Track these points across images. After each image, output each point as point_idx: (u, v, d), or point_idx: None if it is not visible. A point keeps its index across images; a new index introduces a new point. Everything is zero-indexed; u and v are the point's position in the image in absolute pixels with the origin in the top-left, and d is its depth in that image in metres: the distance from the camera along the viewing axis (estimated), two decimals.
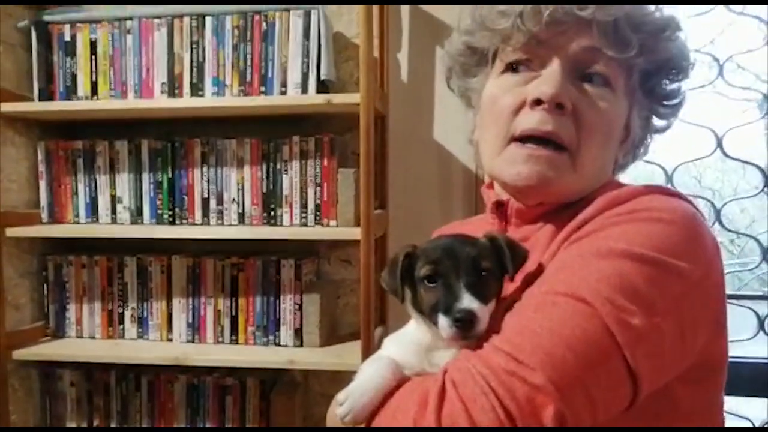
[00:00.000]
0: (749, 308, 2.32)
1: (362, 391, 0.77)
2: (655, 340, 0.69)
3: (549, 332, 0.67)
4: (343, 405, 0.77)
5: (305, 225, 1.93)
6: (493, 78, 0.96)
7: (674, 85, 0.96)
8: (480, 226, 0.98)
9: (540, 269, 0.83)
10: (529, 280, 0.82)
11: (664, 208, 0.79)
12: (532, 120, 0.87)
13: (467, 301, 0.76)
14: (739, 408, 2.22)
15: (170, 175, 2.00)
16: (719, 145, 2.25)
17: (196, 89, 1.94)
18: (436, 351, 0.82)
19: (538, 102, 0.86)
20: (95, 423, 2.10)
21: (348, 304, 2.16)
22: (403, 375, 0.80)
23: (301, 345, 1.97)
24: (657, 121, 0.99)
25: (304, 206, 1.93)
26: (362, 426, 0.78)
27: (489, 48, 0.96)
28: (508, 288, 0.88)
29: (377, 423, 0.75)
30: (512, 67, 0.92)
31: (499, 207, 0.98)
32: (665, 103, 0.97)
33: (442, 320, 0.76)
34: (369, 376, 0.79)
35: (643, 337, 0.68)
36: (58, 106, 2.00)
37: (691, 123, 2.26)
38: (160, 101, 1.94)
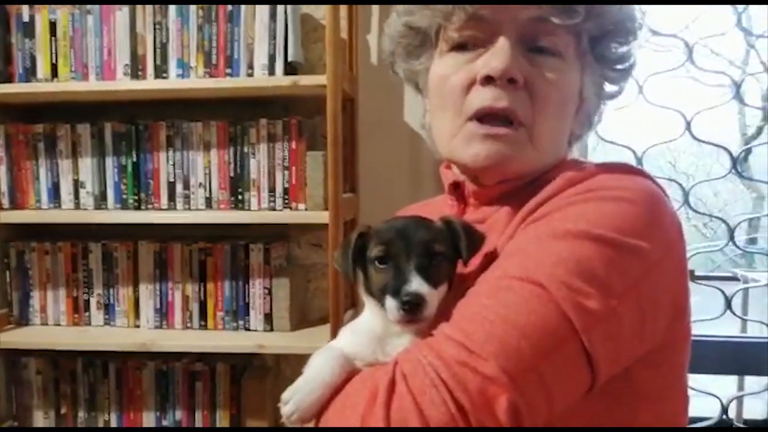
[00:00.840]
0: (718, 288, 2.38)
1: (309, 388, 0.74)
2: (613, 324, 0.69)
3: (502, 319, 0.66)
4: (289, 403, 0.74)
5: (273, 209, 1.93)
6: (438, 58, 0.94)
7: (624, 48, 0.94)
8: (440, 208, 0.98)
9: (496, 253, 0.82)
10: (485, 265, 0.80)
11: (624, 186, 0.79)
12: (485, 97, 0.86)
13: (416, 284, 0.74)
14: (707, 386, 2.28)
15: (135, 159, 1.98)
16: (688, 128, 2.29)
17: (160, 71, 1.92)
18: (389, 339, 0.81)
19: (489, 79, 0.85)
20: (62, 411, 2.09)
21: (318, 288, 2.17)
22: (354, 367, 0.79)
23: (271, 329, 1.98)
24: (609, 87, 0.98)
25: (272, 190, 1.92)
26: (310, 425, 0.77)
27: (431, 27, 0.93)
28: (464, 272, 0.88)
29: (325, 421, 0.73)
30: (458, 46, 0.91)
31: (456, 188, 0.97)
32: (616, 67, 0.95)
33: (390, 302, 0.75)
34: (316, 371, 0.76)
35: (601, 320, 0.67)
36: (17, 88, 1.96)
37: (660, 106, 2.29)
38: (122, 83, 1.91)
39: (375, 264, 0.81)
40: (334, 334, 1.76)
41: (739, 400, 2.57)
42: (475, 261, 0.88)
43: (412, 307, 0.75)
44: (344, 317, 1.85)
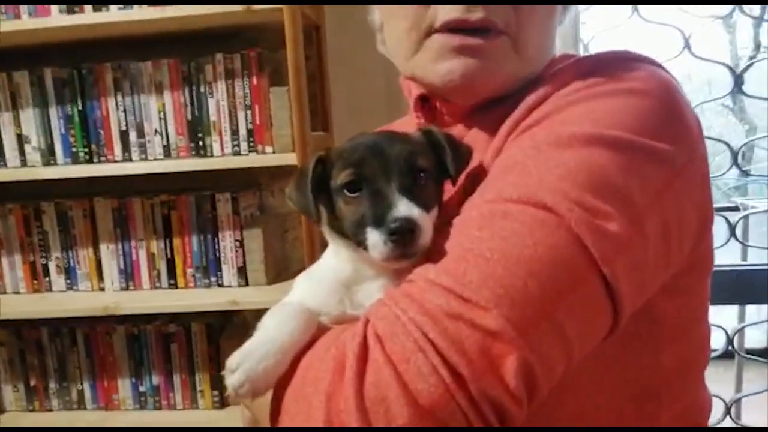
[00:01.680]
0: (722, 216, 2.26)
1: (262, 353, 0.62)
2: (637, 249, 0.58)
3: (502, 255, 0.55)
4: (236, 372, 0.61)
5: (238, 153, 1.77)
6: None
7: None
8: (404, 130, 0.83)
9: (482, 173, 0.70)
10: (469, 189, 0.69)
11: (635, 77, 0.66)
12: (454, 6, 0.71)
13: (404, 207, 0.62)
14: (710, 316, 2.21)
15: (81, 107, 1.81)
16: (687, 46, 2.12)
17: (99, 4, 1.71)
18: (359, 285, 0.70)
19: None
20: (32, 383, 1.98)
21: (297, 239, 2.04)
22: (320, 325, 0.67)
23: (246, 284, 1.85)
24: None
25: (235, 132, 1.76)
26: (265, 407, 0.63)
27: None
28: (444, 199, 0.75)
29: (283, 401, 0.61)
30: None
31: (425, 103, 0.84)
32: None
33: (374, 236, 0.63)
34: (270, 331, 0.64)
35: (624, 246, 0.57)
36: None
37: (658, 23, 2.12)
38: (58, 19, 1.71)
39: (344, 194, 0.68)
40: None
41: (741, 330, 2.51)
42: (457, 184, 0.74)
43: (405, 236, 0.62)
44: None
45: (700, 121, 0.69)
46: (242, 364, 0.61)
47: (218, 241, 1.85)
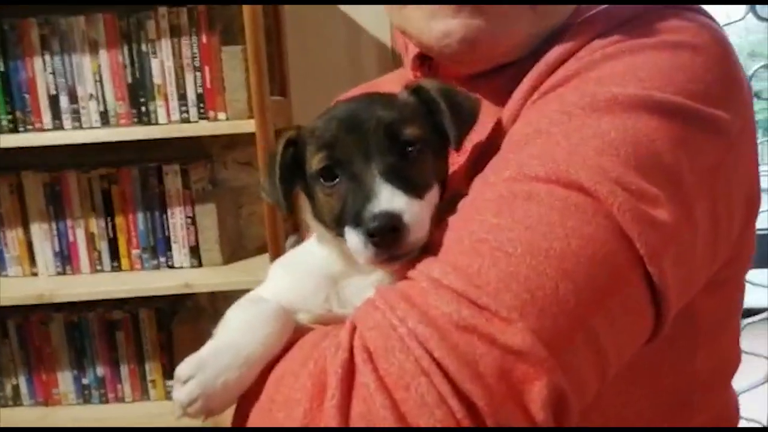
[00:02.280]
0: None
1: (223, 364, 0.51)
2: (686, 240, 0.50)
3: (527, 248, 0.46)
4: (188, 385, 0.51)
5: (187, 120, 1.62)
6: None
7: None
8: (399, 85, 0.71)
9: (495, 143, 0.59)
10: (478, 163, 0.59)
11: (684, 28, 0.56)
12: None
13: (385, 198, 0.52)
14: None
15: (2, 69, 1.62)
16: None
17: None
18: (349, 279, 0.60)
19: None
20: None
21: (254, 214, 1.90)
22: (298, 326, 0.57)
23: (200, 265, 1.72)
24: None
25: (182, 97, 1.61)
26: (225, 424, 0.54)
27: None
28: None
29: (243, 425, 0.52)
30: None
31: (424, 61, 0.72)
32: None
33: (352, 237, 0.53)
34: (236, 337, 0.53)
35: (672, 238, 0.48)
36: None
37: None
38: None
39: (320, 182, 0.57)
40: None
41: None
42: (462, 156, 0.63)
43: (386, 237, 0.50)
44: (286, 244, 1.60)
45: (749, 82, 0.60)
46: (196, 374, 0.50)
47: (167, 218, 1.70)
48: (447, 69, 0.70)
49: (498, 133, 0.60)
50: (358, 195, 0.53)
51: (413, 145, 0.56)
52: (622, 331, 0.47)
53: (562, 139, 0.50)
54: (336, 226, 0.56)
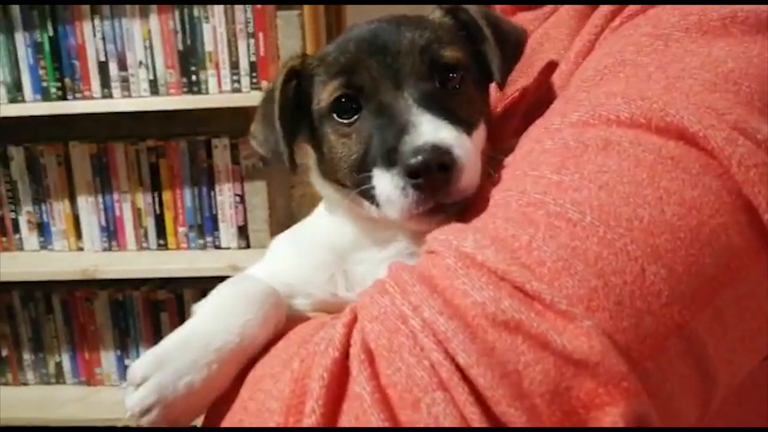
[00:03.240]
0: None
1: (187, 361, 0.42)
2: None
3: (600, 216, 0.35)
4: (142, 388, 0.41)
5: (239, 91, 1.56)
6: None
7: None
8: None
9: (551, 89, 0.50)
10: (532, 113, 0.48)
11: None
12: None
13: (429, 128, 0.43)
14: None
15: (52, 34, 1.59)
16: None
17: None
18: (360, 254, 0.51)
19: None
20: (4, 354, 1.78)
21: (306, 195, 1.81)
22: (292, 315, 0.49)
23: (248, 246, 1.66)
24: None
25: (234, 66, 1.55)
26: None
27: None
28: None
29: None
30: None
31: None
32: None
33: (384, 181, 0.44)
34: (207, 325, 0.44)
35: None
36: None
37: None
38: None
39: (333, 120, 0.49)
40: None
41: None
42: (505, 103, 0.55)
43: (432, 177, 0.42)
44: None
45: None
46: (153, 374, 0.41)
47: (215, 195, 1.65)
48: None
49: (566, 69, 0.50)
50: (389, 129, 0.45)
51: (454, 71, 0.48)
52: (738, 339, 0.37)
53: (656, 71, 0.40)
54: (355, 175, 0.47)
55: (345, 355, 0.37)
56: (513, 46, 0.52)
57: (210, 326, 0.44)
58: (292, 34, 1.49)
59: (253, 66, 1.52)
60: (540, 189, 0.38)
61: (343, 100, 0.48)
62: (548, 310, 0.33)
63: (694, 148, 0.37)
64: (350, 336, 0.38)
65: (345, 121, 0.48)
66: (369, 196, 0.46)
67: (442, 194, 0.43)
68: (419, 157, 0.41)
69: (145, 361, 0.42)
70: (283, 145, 0.50)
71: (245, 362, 0.43)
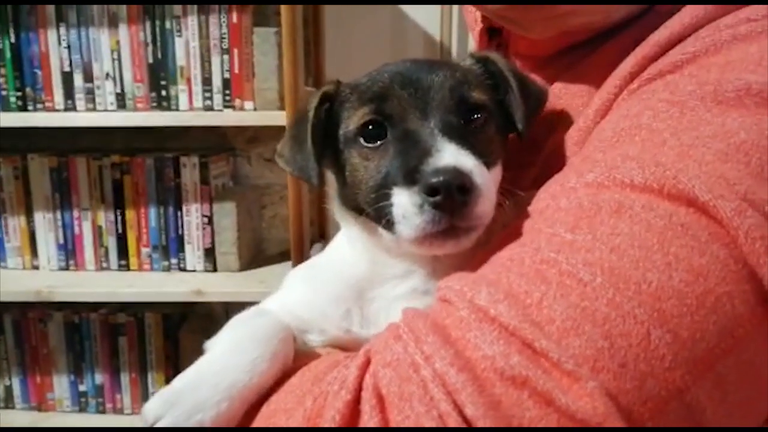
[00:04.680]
0: None
1: (201, 399, 0.44)
2: None
3: (610, 279, 0.37)
4: (163, 420, 0.44)
5: (210, 108, 1.52)
6: None
7: None
8: None
9: (569, 144, 0.52)
10: (549, 166, 0.51)
11: None
12: None
13: (450, 153, 0.45)
14: None
15: (13, 40, 1.53)
16: None
17: None
18: (377, 290, 0.53)
19: None
20: None
21: (276, 216, 1.79)
22: (304, 351, 0.51)
23: (215, 270, 1.61)
24: None
25: (207, 82, 1.51)
26: None
27: None
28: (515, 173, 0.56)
29: None
30: None
31: (492, 36, 0.67)
32: None
33: (403, 198, 0.46)
34: (220, 363, 0.46)
35: None
36: None
37: None
38: None
39: (359, 144, 0.51)
40: None
41: None
42: (528, 155, 0.57)
43: (451, 197, 0.44)
44: (310, 252, 1.46)
45: None
46: (166, 413, 0.44)
47: (182, 215, 1.60)
48: (517, 45, 0.64)
49: (583, 126, 0.52)
50: (412, 152, 0.47)
51: (479, 111, 0.51)
52: (736, 404, 0.38)
53: (671, 137, 0.41)
54: (374, 193, 0.49)
55: (357, 398, 0.39)
56: (535, 98, 0.55)
57: (220, 365, 0.46)
58: (269, 52, 1.45)
59: (226, 83, 1.48)
60: (554, 247, 0.40)
61: (371, 126, 0.51)
62: (555, 369, 0.35)
63: (704, 216, 0.38)
64: (363, 379, 0.40)
65: (370, 145, 0.51)
66: (384, 214, 0.48)
67: (458, 216, 0.45)
68: (440, 176, 0.44)
69: (157, 402, 0.44)
70: (314, 162, 0.52)
71: (255, 399, 0.45)
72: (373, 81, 0.52)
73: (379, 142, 0.51)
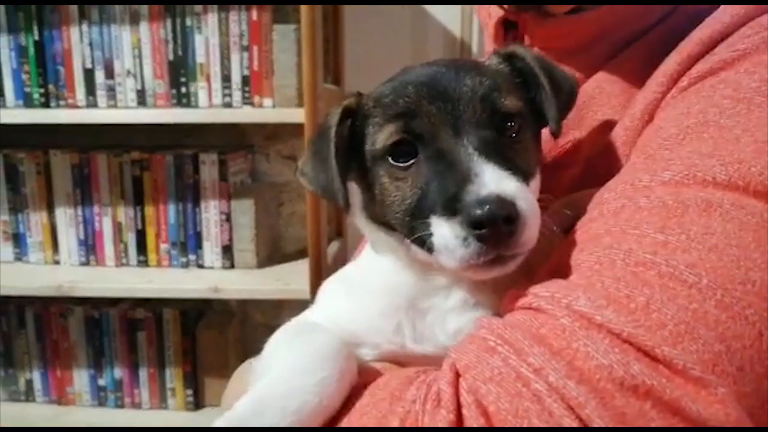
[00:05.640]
0: None
1: (267, 423, 0.41)
2: None
3: (716, 279, 0.37)
4: None
5: (229, 105, 1.52)
6: None
7: None
8: None
9: (627, 135, 0.52)
10: (601, 160, 0.52)
11: None
12: None
13: (492, 179, 0.43)
14: None
15: (37, 38, 1.55)
16: None
17: None
18: (427, 302, 0.51)
19: None
20: None
21: (294, 214, 1.78)
22: (361, 366, 0.48)
23: (232, 266, 1.61)
24: None
25: (226, 79, 1.51)
26: None
27: None
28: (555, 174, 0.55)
29: None
30: None
31: (509, 30, 0.65)
32: None
33: (444, 231, 0.44)
34: (282, 382, 0.43)
35: None
36: None
37: None
38: None
39: (388, 163, 0.49)
40: (313, 273, 1.40)
41: None
42: (566, 156, 0.56)
43: (497, 229, 0.41)
44: (327, 250, 1.46)
45: None
46: None
47: (200, 212, 1.61)
48: (533, 38, 0.62)
49: (618, 131, 0.51)
50: (449, 177, 0.44)
51: (513, 120, 0.49)
52: None
53: (743, 134, 0.41)
54: (409, 222, 0.47)
55: (459, 416, 0.37)
56: (567, 93, 0.52)
57: (284, 387, 0.43)
58: (288, 49, 1.45)
59: (245, 80, 1.48)
60: (647, 248, 0.38)
61: (400, 143, 0.48)
62: (678, 376, 0.34)
63: None
64: (459, 396, 0.38)
65: (401, 164, 0.48)
66: (422, 242, 0.46)
67: (504, 246, 0.43)
68: (486, 208, 0.41)
69: (227, 423, 0.41)
70: (339, 182, 0.49)
71: (324, 422, 0.42)
72: (398, 94, 0.49)
73: (410, 161, 0.48)
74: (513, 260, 0.44)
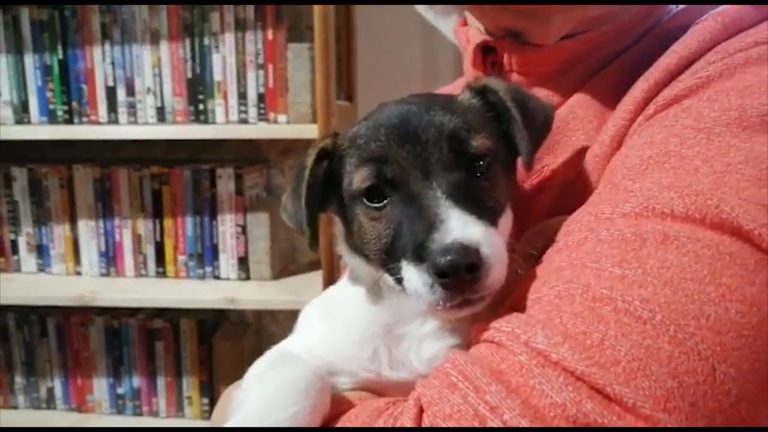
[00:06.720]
0: None
1: None
2: None
3: (669, 314, 0.37)
4: None
5: (245, 122, 1.57)
6: None
7: None
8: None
9: (596, 162, 0.53)
10: (574, 188, 0.53)
11: None
12: None
13: (457, 225, 0.44)
14: None
15: (61, 56, 1.61)
16: None
17: None
18: (403, 329, 0.52)
19: None
20: None
21: None
22: (337, 397, 0.50)
23: (248, 278, 1.66)
24: None
25: (242, 96, 1.56)
26: None
27: None
28: (527, 201, 0.56)
29: None
30: None
31: (487, 54, 0.65)
32: None
33: (413, 276, 0.45)
34: (256, 415, 0.44)
35: None
36: None
37: None
38: None
39: (363, 204, 0.50)
40: (328, 284, 1.43)
41: None
42: (538, 172, 0.57)
43: (460, 277, 0.42)
44: (340, 262, 1.50)
45: None
46: None
47: (217, 225, 1.65)
48: (512, 63, 0.62)
49: (588, 158, 0.52)
50: (418, 221, 0.45)
51: (482, 159, 0.49)
52: None
53: (702, 165, 0.41)
54: (384, 259, 0.48)
55: None
56: (541, 124, 0.52)
57: (258, 422, 0.44)
58: (302, 67, 1.50)
59: (261, 97, 1.53)
60: (605, 283, 0.39)
61: (373, 186, 0.49)
62: (629, 414, 0.34)
63: (747, 244, 0.38)
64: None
65: (375, 205, 0.49)
66: (397, 279, 0.47)
67: (469, 291, 0.43)
68: (448, 257, 0.42)
69: None
70: (306, 225, 0.51)
71: None
72: (370, 137, 0.49)
73: (384, 201, 0.49)
74: (481, 301, 0.45)
